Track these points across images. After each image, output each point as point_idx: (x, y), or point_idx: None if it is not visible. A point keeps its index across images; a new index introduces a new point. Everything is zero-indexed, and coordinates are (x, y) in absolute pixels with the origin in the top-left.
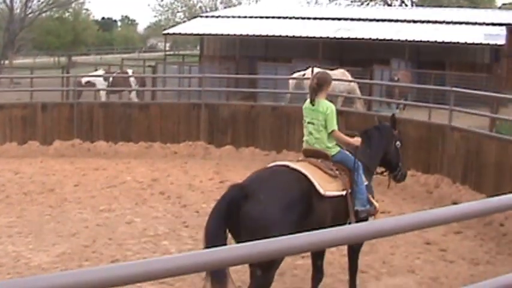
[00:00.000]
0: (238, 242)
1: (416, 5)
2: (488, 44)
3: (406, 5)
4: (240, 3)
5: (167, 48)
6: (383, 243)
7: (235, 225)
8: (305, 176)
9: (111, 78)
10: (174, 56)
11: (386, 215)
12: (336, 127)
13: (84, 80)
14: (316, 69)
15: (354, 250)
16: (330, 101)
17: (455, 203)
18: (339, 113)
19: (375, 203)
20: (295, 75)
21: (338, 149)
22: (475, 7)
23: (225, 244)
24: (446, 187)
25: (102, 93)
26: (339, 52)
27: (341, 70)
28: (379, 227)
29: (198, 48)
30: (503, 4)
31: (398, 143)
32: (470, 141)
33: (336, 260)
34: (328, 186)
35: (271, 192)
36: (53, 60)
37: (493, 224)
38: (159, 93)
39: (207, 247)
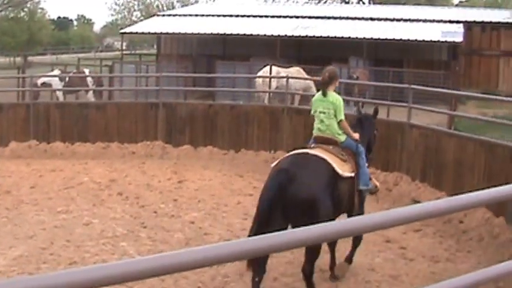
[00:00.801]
0: (287, 222)
1: (374, 3)
2: (445, 42)
3: (364, 3)
4: (197, 2)
5: (124, 48)
6: (343, 242)
7: (282, 207)
8: (325, 160)
9: (67, 78)
10: (131, 55)
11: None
12: (343, 117)
13: (40, 81)
14: (274, 68)
15: None
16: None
17: (414, 201)
18: (298, 111)
19: (376, 182)
20: (260, 73)
21: (345, 136)
22: (432, 5)
23: (277, 222)
24: (406, 185)
25: (59, 94)
26: (297, 50)
27: (296, 68)
28: (343, 227)
29: (155, 47)
30: (460, 1)
31: (375, 131)
32: (429, 139)
33: (296, 259)
34: (342, 168)
35: (310, 175)
36: (9, 61)
37: (452, 222)
38: (116, 92)
39: (259, 226)
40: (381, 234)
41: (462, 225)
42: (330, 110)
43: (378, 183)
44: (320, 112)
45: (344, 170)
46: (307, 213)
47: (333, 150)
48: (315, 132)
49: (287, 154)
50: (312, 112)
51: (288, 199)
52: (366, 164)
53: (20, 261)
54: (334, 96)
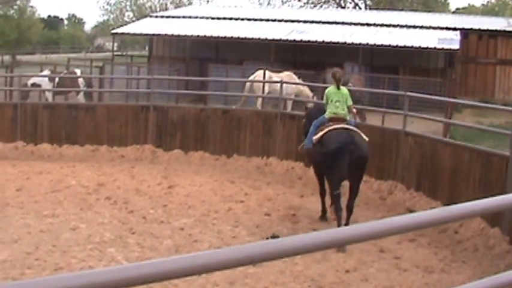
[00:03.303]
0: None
1: (370, 8)
2: (442, 49)
3: (360, 8)
4: (190, 4)
5: (115, 49)
6: (335, 251)
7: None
8: (356, 131)
9: (57, 79)
10: (122, 56)
11: None
12: (352, 102)
13: (30, 81)
14: (267, 72)
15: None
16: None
17: (409, 210)
18: (291, 117)
19: None
20: (251, 77)
21: (349, 116)
22: (429, 11)
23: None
24: (400, 194)
25: (49, 95)
26: (292, 55)
27: (287, 72)
28: (336, 236)
29: (147, 49)
30: (457, 9)
31: None
32: (425, 147)
33: (287, 268)
34: None
35: (361, 140)
36: None
37: (447, 232)
38: (106, 94)
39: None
40: (375, 244)
41: (457, 235)
42: (343, 99)
43: None
44: (336, 101)
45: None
46: (363, 168)
47: (351, 125)
48: (331, 115)
49: (326, 129)
50: (326, 100)
51: (355, 157)
52: None
53: (4, 266)
54: (344, 89)
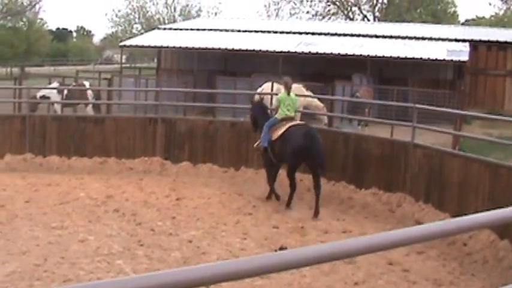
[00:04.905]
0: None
1: (379, 20)
2: (451, 60)
3: (369, 20)
4: (199, 16)
5: (123, 61)
6: (344, 263)
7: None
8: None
9: (65, 91)
10: (130, 68)
11: (348, 234)
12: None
13: (39, 94)
14: (276, 84)
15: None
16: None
17: (418, 222)
18: None
19: None
20: (259, 90)
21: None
22: (438, 23)
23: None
24: (409, 206)
25: (57, 107)
26: (300, 67)
27: (296, 85)
28: (342, 248)
29: (155, 61)
30: (466, 20)
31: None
32: (434, 159)
33: (295, 280)
34: None
35: (317, 132)
36: (6, 71)
37: (456, 244)
38: (115, 106)
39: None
40: (383, 256)
41: (466, 247)
42: (293, 103)
43: None
44: (287, 105)
45: None
46: (322, 153)
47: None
48: (283, 115)
49: (287, 125)
50: (278, 103)
51: (314, 149)
52: None
53: (12, 278)
54: (293, 95)
